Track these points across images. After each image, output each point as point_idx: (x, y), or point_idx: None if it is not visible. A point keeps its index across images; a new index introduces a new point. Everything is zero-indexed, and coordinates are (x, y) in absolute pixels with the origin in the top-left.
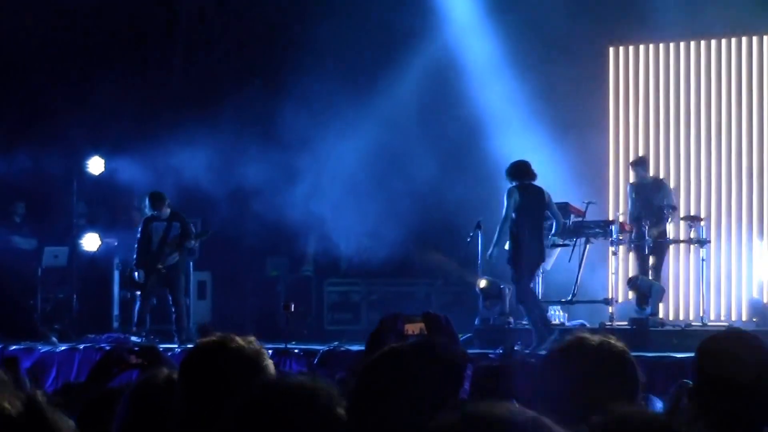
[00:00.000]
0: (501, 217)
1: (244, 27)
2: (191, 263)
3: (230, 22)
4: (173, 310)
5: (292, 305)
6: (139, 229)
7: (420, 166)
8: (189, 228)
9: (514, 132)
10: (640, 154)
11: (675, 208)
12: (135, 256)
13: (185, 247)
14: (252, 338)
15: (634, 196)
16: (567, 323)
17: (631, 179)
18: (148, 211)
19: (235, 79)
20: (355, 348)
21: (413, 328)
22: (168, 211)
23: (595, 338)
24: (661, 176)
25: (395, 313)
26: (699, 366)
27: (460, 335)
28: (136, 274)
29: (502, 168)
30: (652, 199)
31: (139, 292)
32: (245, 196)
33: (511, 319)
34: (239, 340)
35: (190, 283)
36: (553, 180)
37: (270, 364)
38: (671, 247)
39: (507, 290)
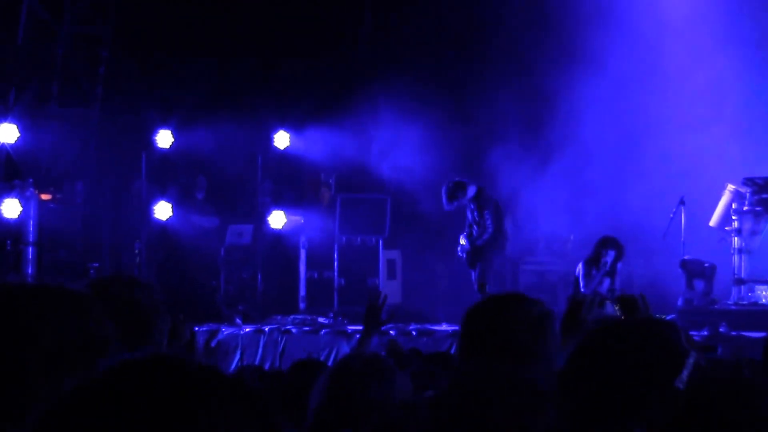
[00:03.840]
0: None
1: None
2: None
3: None
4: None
5: (487, 286)
6: None
7: (621, 144)
8: (484, 216)
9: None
10: None
11: None
12: None
13: (474, 238)
14: (540, 301)
15: None
16: None
17: None
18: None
19: (426, 52)
20: None
21: (612, 310)
22: (471, 193)
23: None
24: None
25: (588, 294)
26: None
27: (663, 317)
28: None
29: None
30: None
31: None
32: (434, 172)
33: (717, 299)
34: (528, 300)
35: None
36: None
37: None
38: None
39: (712, 268)
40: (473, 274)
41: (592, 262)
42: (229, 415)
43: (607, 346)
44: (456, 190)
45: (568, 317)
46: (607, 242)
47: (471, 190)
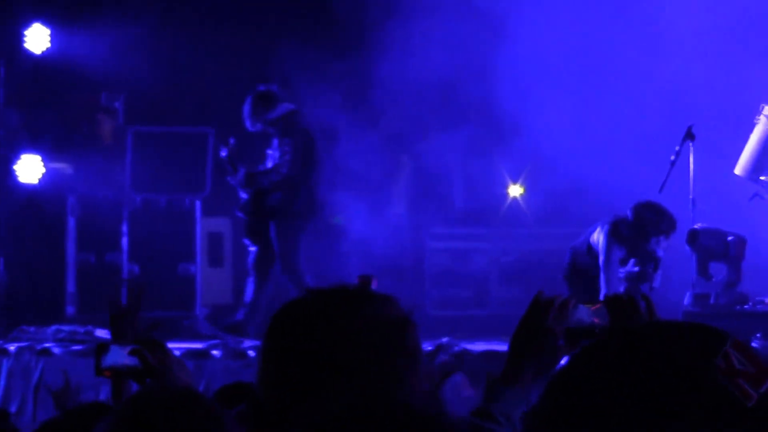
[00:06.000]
0: None
1: None
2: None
3: None
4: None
5: (373, 279)
6: None
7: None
8: (284, 147)
9: None
10: None
11: None
12: None
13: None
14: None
15: None
16: None
17: None
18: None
19: None
20: (479, 347)
21: (588, 317)
22: (281, 110)
23: None
24: None
25: (562, 295)
26: None
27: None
28: None
29: None
30: None
31: None
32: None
33: (747, 294)
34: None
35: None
36: None
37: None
38: None
39: (739, 244)
40: (256, 249)
41: (630, 242)
42: None
43: (614, 370)
44: (259, 103)
45: (526, 326)
46: (667, 221)
47: (282, 108)
